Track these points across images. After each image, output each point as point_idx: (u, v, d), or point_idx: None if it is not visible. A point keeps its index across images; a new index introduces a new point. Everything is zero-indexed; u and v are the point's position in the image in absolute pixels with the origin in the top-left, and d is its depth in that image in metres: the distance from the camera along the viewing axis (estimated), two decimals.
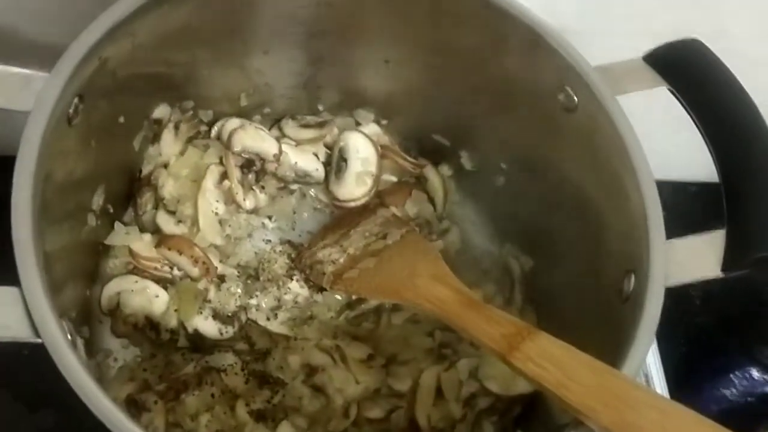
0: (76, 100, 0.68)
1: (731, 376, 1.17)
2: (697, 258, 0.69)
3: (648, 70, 0.76)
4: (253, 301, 0.90)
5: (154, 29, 0.74)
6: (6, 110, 0.65)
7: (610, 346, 0.69)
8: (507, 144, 0.92)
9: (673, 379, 1.08)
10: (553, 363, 0.63)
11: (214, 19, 0.80)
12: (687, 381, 1.14)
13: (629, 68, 0.77)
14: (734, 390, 1.16)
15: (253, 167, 0.94)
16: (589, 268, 0.81)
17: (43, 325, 0.57)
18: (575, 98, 0.78)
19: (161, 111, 0.88)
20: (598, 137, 0.76)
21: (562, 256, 0.88)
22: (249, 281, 0.92)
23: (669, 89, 0.75)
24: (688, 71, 0.75)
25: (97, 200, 0.84)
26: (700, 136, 1.01)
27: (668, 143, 0.97)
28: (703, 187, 1.33)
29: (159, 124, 0.89)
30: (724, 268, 0.68)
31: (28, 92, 0.64)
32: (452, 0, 0.81)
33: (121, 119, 0.82)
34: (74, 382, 0.56)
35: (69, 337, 0.60)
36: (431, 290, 0.78)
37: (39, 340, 0.57)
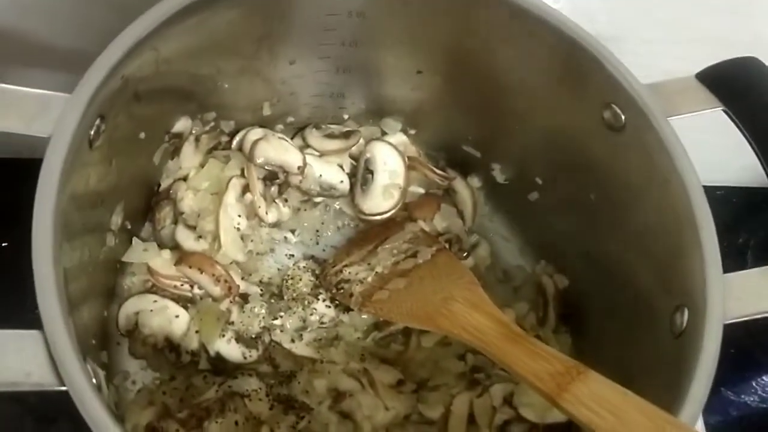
0: (97, 121, 0.64)
1: (752, 383, 1.16)
2: (756, 293, 0.65)
3: (702, 89, 0.72)
4: (278, 322, 0.87)
5: (179, 43, 0.70)
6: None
7: (661, 382, 0.66)
8: (544, 159, 0.88)
9: None
10: (606, 408, 0.59)
11: (242, 30, 0.75)
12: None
13: (682, 87, 0.73)
14: (755, 397, 1.15)
15: (276, 180, 0.90)
16: (634, 296, 0.77)
17: (69, 372, 0.53)
18: (623, 117, 0.73)
19: (182, 124, 0.84)
20: (647, 160, 0.72)
21: (602, 278, 0.84)
22: (273, 300, 0.88)
23: (724, 110, 0.71)
24: (746, 92, 0.71)
25: (116, 219, 0.80)
26: (725, 137, 0.98)
27: (691, 147, 0.95)
28: (729, 192, 1.30)
29: (179, 137, 0.85)
30: None
31: (47, 116, 0.60)
32: (489, 9, 0.77)
33: (142, 135, 0.78)
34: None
35: (94, 381, 0.56)
36: (468, 319, 0.75)
37: (63, 388, 0.54)
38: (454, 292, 0.79)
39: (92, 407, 0.53)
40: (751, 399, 1.15)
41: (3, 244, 0.99)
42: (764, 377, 1.17)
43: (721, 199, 1.30)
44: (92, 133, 0.64)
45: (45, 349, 0.54)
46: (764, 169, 0.67)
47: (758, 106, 0.70)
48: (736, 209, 1.32)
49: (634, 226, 0.76)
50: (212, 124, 0.89)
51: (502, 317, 0.74)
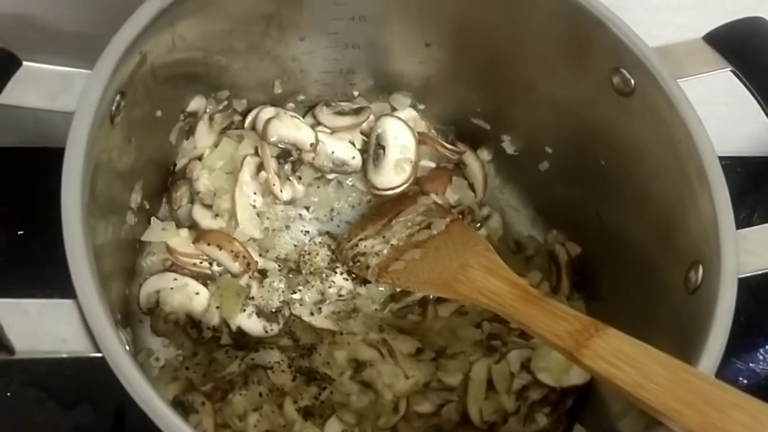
0: (117, 97, 0.65)
1: (761, 350, 1.17)
2: None
3: (710, 51, 0.73)
4: (296, 296, 0.88)
5: (194, 20, 0.71)
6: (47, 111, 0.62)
7: (677, 339, 0.67)
8: (554, 128, 0.89)
9: None
10: (625, 361, 0.61)
11: (254, 6, 0.76)
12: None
13: (690, 49, 0.74)
14: (764, 365, 1.16)
15: (290, 157, 0.91)
16: (648, 257, 0.78)
17: (103, 337, 0.55)
18: (632, 81, 0.74)
19: (196, 103, 0.85)
20: (657, 123, 0.73)
21: (614, 243, 0.85)
22: (291, 275, 0.90)
23: (732, 71, 0.72)
24: (754, 52, 0.71)
25: (136, 197, 0.81)
26: (728, 109, 0.98)
27: None
28: (733, 162, 1.30)
29: (194, 116, 0.86)
30: None
31: (70, 92, 0.61)
32: None
33: (159, 113, 0.79)
34: (137, 395, 0.55)
35: (127, 347, 0.58)
36: (485, 284, 0.76)
37: (98, 354, 0.55)
38: (470, 259, 0.80)
39: (129, 371, 0.54)
40: (761, 367, 1.16)
41: (19, 232, 1.00)
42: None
43: (725, 168, 1.30)
44: (113, 108, 0.65)
45: (79, 317, 0.55)
46: None
47: (766, 65, 0.71)
48: (740, 180, 1.33)
49: (645, 189, 0.77)
50: (225, 103, 0.90)
51: (518, 280, 0.75)
